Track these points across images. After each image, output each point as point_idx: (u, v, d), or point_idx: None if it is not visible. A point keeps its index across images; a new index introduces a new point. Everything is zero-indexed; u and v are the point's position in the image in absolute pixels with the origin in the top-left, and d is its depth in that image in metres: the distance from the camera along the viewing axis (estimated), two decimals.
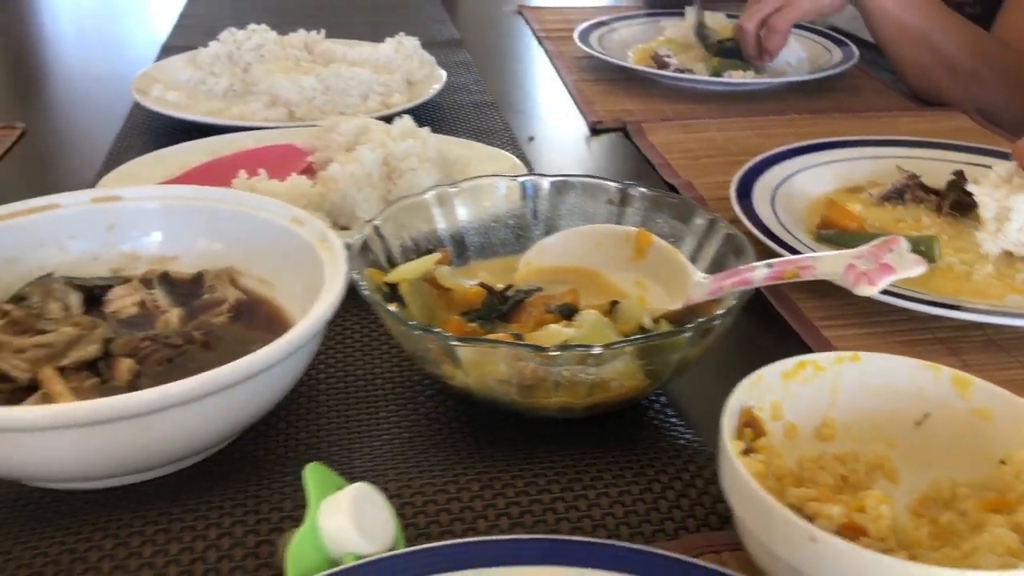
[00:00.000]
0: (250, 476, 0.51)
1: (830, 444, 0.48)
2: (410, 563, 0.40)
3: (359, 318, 0.65)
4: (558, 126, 1.08)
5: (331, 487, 0.45)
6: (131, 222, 0.64)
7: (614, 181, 0.66)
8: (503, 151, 0.87)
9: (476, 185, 0.66)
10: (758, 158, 0.86)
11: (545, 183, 0.66)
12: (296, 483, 0.49)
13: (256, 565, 0.45)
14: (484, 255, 0.66)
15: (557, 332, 0.52)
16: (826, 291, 0.65)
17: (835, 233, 0.76)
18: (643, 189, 0.64)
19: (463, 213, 0.65)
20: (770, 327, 0.67)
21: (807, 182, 0.85)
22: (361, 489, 0.43)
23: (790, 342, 0.64)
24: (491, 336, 0.51)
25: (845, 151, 0.90)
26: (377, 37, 1.27)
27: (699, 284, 0.56)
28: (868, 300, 0.57)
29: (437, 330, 0.49)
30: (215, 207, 0.64)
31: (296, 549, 0.41)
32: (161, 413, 0.44)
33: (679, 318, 0.55)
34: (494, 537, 0.42)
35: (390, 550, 0.43)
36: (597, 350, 0.47)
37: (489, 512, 0.48)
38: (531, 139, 1.01)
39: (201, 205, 0.64)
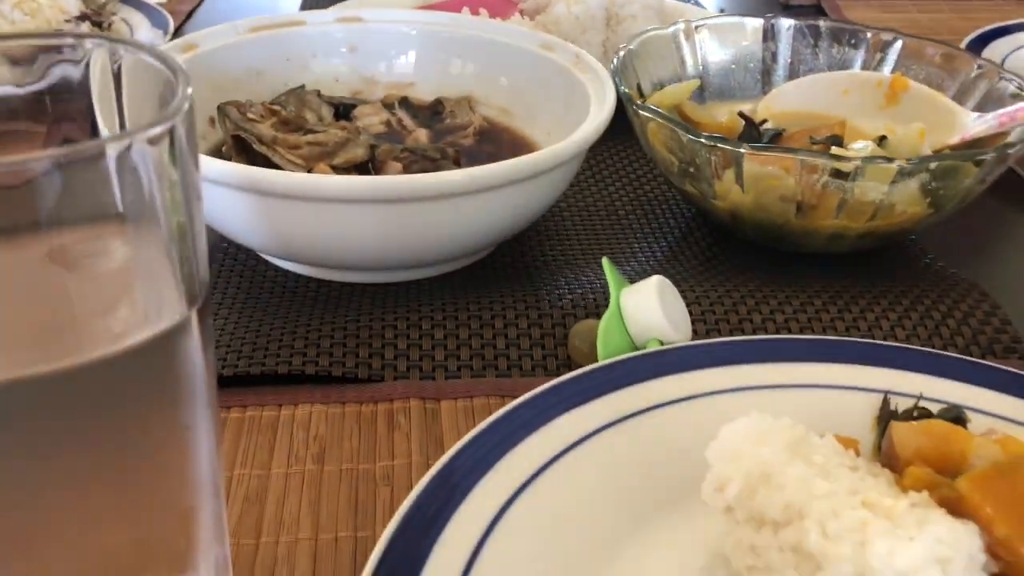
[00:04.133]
0: (520, 279, 0.51)
1: None
2: (730, 350, 0.40)
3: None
4: (746, 0, 1.04)
5: (622, 282, 0.45)
6: (373, 44, 0.64)
7: (867, 27, 0.63)
8: (719, 16, 0.84)
9: (721, 22, 0.64)
10: (982, 29, 0.82)
11: (791, 25, 0.64)
12: (564, 286, 0.50)
13: (542, 355, 0.45)
14: (722, 97, 0.64)
15: (839, 152, 0.50)
16: None
17: None
18: (902, 37, 0.62)
19: (706, 51, 0.64)
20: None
21: None
22: (662, 280, 0.43)
23: None
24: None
25: None
26: None
27: (981, 120, 0.53)
28: None
29: (728, 139, 0.48)
30: (458, 32, 0.63)
31: (605, 330, 0.42)
32: (467, 196, 0.44)
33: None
34: (808, 337, 0.42)
35: (690, 339, 0.43)
36: (901, 164, 0.45)
37: (768, 325, 0.47)
38: (722, 11, 0.98)
39: (444, 31, 0.63)
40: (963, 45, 0.79)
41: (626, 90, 0.53)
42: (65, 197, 0.21)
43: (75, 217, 0.22)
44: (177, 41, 0.57)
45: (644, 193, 0.62)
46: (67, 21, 0.77)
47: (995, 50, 0.80)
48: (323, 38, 0.63)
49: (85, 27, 0.73)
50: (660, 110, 0.51)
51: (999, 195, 0.59)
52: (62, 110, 0.28)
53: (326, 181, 0.43)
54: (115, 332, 0.24)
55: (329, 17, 0.64)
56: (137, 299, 0.24)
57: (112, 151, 0.21)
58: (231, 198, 0.45)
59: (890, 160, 0.46)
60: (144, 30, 0.77)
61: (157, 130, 0.22)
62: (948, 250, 0.56)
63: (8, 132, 0.29)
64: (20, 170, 0.20)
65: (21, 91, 0.27)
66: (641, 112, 0.52)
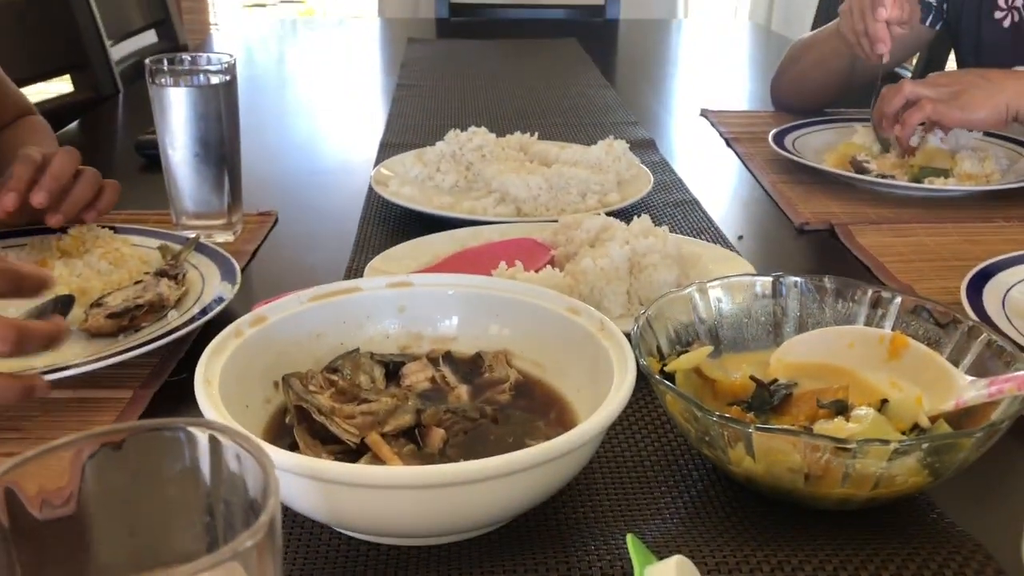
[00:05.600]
0: (553, 542, 0.55)
1: None
2: None
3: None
4: (763, 225, 1.12)
5: (646, 557, 0.49)
6: (420, 305, 0.71)
7: (868, 284, 0.69)
8: (732, 253, 0.92)
9: (732, 282, 0.71)
10: (981, 265, 0.88)
11: (797, 282, 0.71)
12: (593, 553, 0.54)
13: None
14: (736, 349, 0.70)
15: (841, 426, 0.55)
16: None
17: None
18: (900, 295, 0.68)
19: (720, 305, 0.70)
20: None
21: None
22: (682, 561, 0.47)
23: None
24: (788, 426, 0.55)
25: None
26: (570, 137, 1.37)
27: (973, 386, 0.58)
28: None
29: (737, 419, 0.54)
30: (494, 294, 0.70)
31: None
32: (503, 478, 0.50)
33: (953, 419, 0.58)
34: None
35: None
36: (896, 445, 0.50)
37: None
38: (740, 238, 1.05)
39: (482, 292, 0.71)
40: (966, 280, 0.85)
41: (645, 362, 0.59)
42: None
43: None
44: (248, 316, 0.65)
45: (668, 442, 0.66)
46: (146, 274, 0.86)
47: (997, 284, 0.85)
48: (376, 301, 0.71)
49: (164, 284, 0.82)
50: (676, 387, 0.57)
51: (1012, 439, 0.62)
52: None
53: (374, 472, 0.49)
54: None
55: (382, 283, 0.72)
56: None
57: (227, 553, 0.27)
58: (290, 479, 0.51)
59: (885, 442, 0.50)
60: (215, 282, 0.86)
61: (259, 536, 0.27)
62: (954, 499, 0.60)
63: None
64: None
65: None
66: (659, 385, 0.57)
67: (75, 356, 0.73)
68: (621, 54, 2.37)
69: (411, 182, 1.15)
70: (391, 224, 1.09)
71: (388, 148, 1.36)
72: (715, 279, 0.71)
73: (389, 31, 2.57)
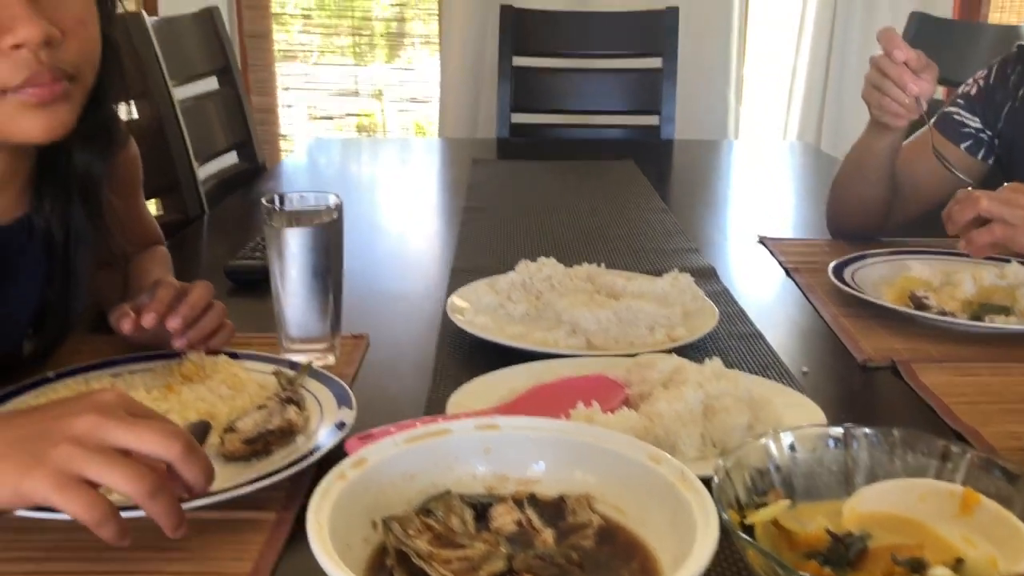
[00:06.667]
0: None
1: None
2: None
3: None
4: (826, 360, 1.15)
5: None
6: (506, 448, 0.75)
7: (936, 437, 0.72)
8: (803, 397, 0.95)
9: (805, 433, 0.74)
10: None
11: (867, 434, 0.74)
12: None
13: None
14: (810, 497, 0.73)
15: None
16: None
17: None
18: (969, 450, 0.70)
19: (794, 457, 0.73)
20: None
21: None
22: None
23: None
24: None
25: None
26: (633, 264, 1.43)
27: None
28: None
29: None
30: (577, 439, 0.75)
31: None
32: None
33: None
34: None
35: None
36: None
37: None
38: (805, 372, 1.08)
39: (565, 438, 0.75)
40: None
41: (727, 517, 0.62)
42: None
43: None
44: (350, 459, 0.70)
45: None
46: (268, 398, 0.91)
47: None
48: (464, 443, 0.75)
49: (292, 410, 0.87)
50: (758, 543, 0.60)
51: None
52: None
53: None
54: None
55: (470, 424, 0.76)
56: None
57: None
58: None
59: None
60: (332, 407, 0.91)
61: None
62: None
63: None
64: None
65: None
66: (741, 540, 0.61)
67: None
68: (676, 174, 2.45)
69: (484, 310, 1.21)
70: (465, 350, 1.14)
71: (459, 273, 1.42)
72: (787, 429, 0.74)
73: (451, 151, 2.69)
